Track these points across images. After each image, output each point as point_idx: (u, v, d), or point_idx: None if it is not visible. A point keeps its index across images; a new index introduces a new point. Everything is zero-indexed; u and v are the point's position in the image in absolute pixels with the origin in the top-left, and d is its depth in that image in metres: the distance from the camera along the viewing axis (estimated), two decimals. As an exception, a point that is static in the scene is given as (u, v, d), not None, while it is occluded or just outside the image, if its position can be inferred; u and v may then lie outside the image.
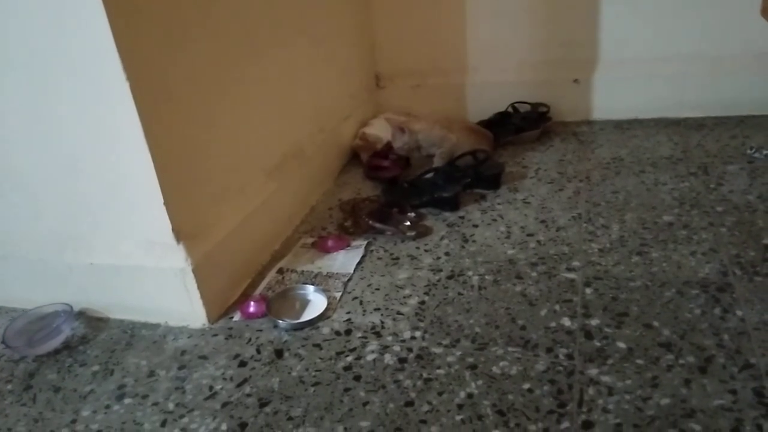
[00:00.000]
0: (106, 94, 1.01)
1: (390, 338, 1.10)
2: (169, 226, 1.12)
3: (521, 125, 1.93)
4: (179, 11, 1.13)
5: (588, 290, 1.17)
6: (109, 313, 1.27)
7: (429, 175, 1.63)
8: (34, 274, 1.29)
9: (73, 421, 1.00)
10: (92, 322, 1.26)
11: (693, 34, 1.88)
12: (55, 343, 1.19)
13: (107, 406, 1.02)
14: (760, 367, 0.93)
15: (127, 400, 1.03)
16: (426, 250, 1.38)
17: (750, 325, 1.02)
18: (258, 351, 1.11)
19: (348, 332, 1.13)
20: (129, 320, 1.25)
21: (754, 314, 1.04)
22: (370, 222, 1.46)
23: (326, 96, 1.82)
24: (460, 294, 1.21)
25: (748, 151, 1.66)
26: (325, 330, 1.15)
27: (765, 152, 1.63)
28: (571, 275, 1.22)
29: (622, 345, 1.01)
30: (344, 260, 1.37)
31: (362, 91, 2.12)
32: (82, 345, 1.19)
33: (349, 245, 1.42)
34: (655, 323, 1.05)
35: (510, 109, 2.03)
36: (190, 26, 1.16)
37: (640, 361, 0.97)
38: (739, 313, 1.05)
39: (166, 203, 1.10)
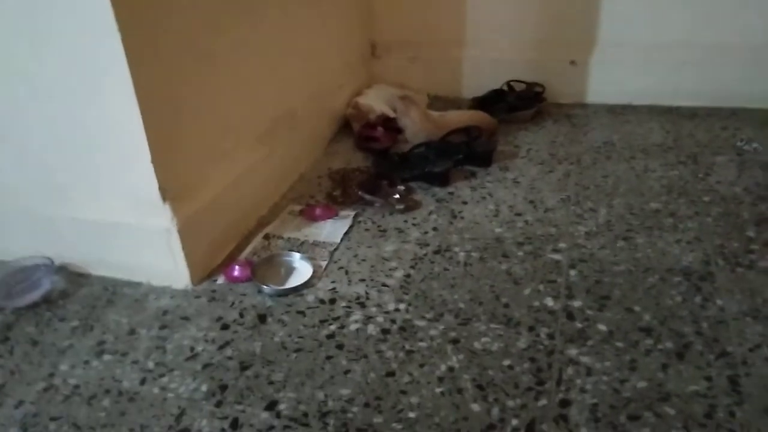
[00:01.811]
0: (98, 46, 0.98)
1: (374, 309, 1.10)
2: (156, 184, 1.10)
3: (515, 104, 1.93)
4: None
5: (572, 272, 1.17)
6: (91, 269, 1.25)
7: (420, 149, 1.62)
8: (15, 224, 1.26)
9: (51, 375, 0.99)
10: (73, 277, 1.24)
11: (692, 20, 1.87)
12: (35, 296, 1.17)
13: (86, 362, 1.02)
14: (736, 355, 0.95)
15: (106, 357, 1.02)
16: (414, 224, 1.37)
17: (729, 314, 1.04)
18: (241, 315, 1.11)
19: (332, 301, 1.13)
20: (111, 277, 1.23)
21: (734, 304, 1.06)
22: (360, 192, 1.45)
23: (321, 62, 1.79)
24: (445, 269, 1.21)
25: (738, 144, 1.67)
26: (310, 298, 1.15)
27: (754, 145, 1.65)
28: (557, 256, 1.23)
29: (602, 327, 1.02)
30: (331, 229, 1.36)
31: (357, 60, 2.08)
32: (62, 299, 1.18)
33: (336, 215, 1.41)
34: (637, 308, 1.07)
35: (505, 87, 2.02)
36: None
37: (619, 344, 0.98)
38: (719, 302, 1.07)
39: (153, 161, 1.08)
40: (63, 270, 1.25)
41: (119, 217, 1.16)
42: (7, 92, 1.10)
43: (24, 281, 1.20)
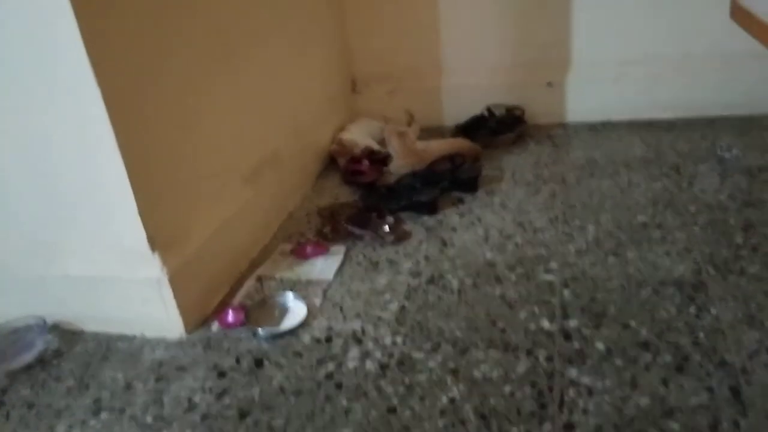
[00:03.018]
0: (79, 102, 0.99)
1: (371, 344, 1.10)
2: (144, 235, 1.10)
3: (497, 128, 1.95)
4: (153, 17, 1.11)
5: (566, 291, 1.18)
6: (84, 326, 1.24)
7: (406, 180, 1.63)
8: (5, 285, 1.25)
9: (48, 438, 0.97)
10: (66, 335, 1.23)
11: (662, 36, 1.91)
12: (28, 357, 1.16)
13: (83, 422, 1.00)
14: (736, 364, 0.95)
15: (103, 415, 1.01)
16: (405, 255, 1.38)
17: (724, 323, 1.04)
18: (237, 361, 1.10)
19: (328, 339, 1.13)
20: (104, 332, 1.22)
21: (728, 312, 1.06)
22: (349, 227, 1.45)
23: (303, 101, 1.81)
24: (440, 298, 1.21)
25: (719, 152, 1.69)
26: (306, 338, 1.14)
27: (734, 152, 1.67)
28: (549, 277, 1.23)
29: (600, 346, 1.02)
30: (323, 266, 1.36)
31: (339, 96, 2.11)
32: (56, 359, 1.16)
33: (328, 251, 1.41)
34: (633, 323, 1.07)
35: (485, 113, 2.04)
36: (165, 32, 1.15)
37: (618, 362, 0.98)
38: (713, 311, 1.07)
39: (140, 211, 1.08)
40: (56, 328, 1.24)
41: (109, 271, 1.16)
42: (-9, 155, 1.11)
43: (17, 343, 1.18)
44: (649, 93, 1.97)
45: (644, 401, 0.90)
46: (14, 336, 1.21)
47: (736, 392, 0.89)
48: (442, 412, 0.92)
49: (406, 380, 1.00)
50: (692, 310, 1.08)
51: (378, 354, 1.07)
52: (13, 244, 1.21)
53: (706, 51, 1.89)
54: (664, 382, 0.93)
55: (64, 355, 1.17)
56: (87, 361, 1.15)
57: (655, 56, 1.94)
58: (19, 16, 0.94)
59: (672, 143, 1.80)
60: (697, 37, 1.89)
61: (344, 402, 0.97)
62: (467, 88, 2.10)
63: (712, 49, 1.88)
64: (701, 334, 1.02)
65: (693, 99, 1.95)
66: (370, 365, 1.04)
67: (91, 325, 1.23)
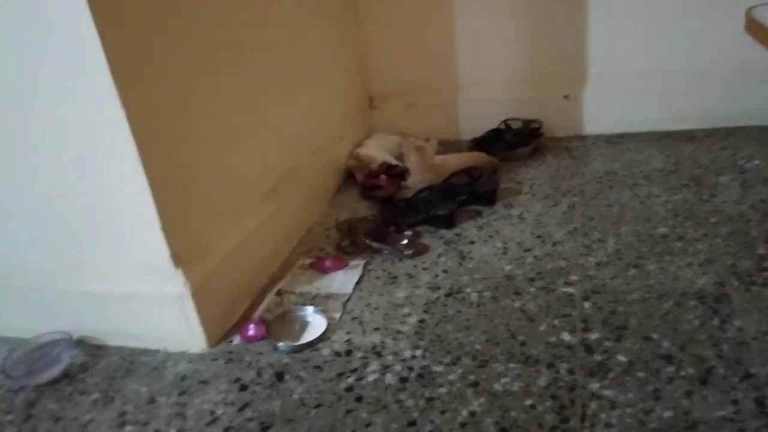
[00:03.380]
0: (102, 121, 1.02)
1: (390, 358, 1.10)
2: (167, 251, 1.12)
3: (514, 142, 1.95)
4: (174, 36, 1.14)
5: (586, 304, 1.17)
6: (108, 340, 1.26)
7: (424, 193, 1.64)
8: (31, 302, 1.28)
9: (74, 451, 0.99)
10: (91, 349, 1.25)
11: (680, 47, 1.91)
12: (55, 371, 1.18)
13: (108, 435, 1.02)
14: (761, 376, 0.93)
15: (128, 428, 1.02)
16: (424, 268, 1.38)
17: (748, 334, 1.03)
18: (258, 374, 1.11)
19: (348, 353, 1.13)
20: (128, 347, 1.24)
21: (752, 324, 1.05)
22: (368, 241, 1.46)
23: (320, 118, 1.84)
24: (459, 311, 1.21)
25: (739, 162, 1.68)
26: (326, 351, 1.15)
27: (755, 163, 1.65)
28: (569, 289, 1.22)
29: (622, 358, 1.01)
30: (343, 280, 1.37)
31: (356, 112, 2.13)
32: (81, 373, 1.18)
33: (347, 265, 1.42)
34: (655, 335, 1.06)
35: (502, 126, 2.05)
36: (185, 50, 1.18)
37: (641, 374, 0.97)
38: (737, 323, 1.06)
39: (163, 228, 1.10)
40: (81, 343, 1.26)
41: (133, 287, 1.18)
42: (16, 172, 1.14)
43: (43, 358, 1.21)
44: (667, 104, 1.97)
45: (668, 414, 0.89)
46: (41, 351, 1.23)
47: (761, 404, 0.88)
48: (463, 426, 0.92)
49: (426, 393, 1.00)
50: (715, 322, 1.07)
51: (398, 367, 1.07)
52: (39, 262, 1.24)
53: (724, 63, 1.88)
54: (688, 395, 0.92)
55: (89, 369, 1.19)
56: (111, 375, 1.17)
57: (672, 68, 1.93)
58: (39, 36, 0.98)
59: (692, 154, 1.79)
60: (714, 49, 1.88)
61: (365, 415, 0.97)
62: (484, 103, 2.11)
63: (729, 60, 1.87)
64: (725, 346, 1.01)
65: (712, 110, 1.94)
66: (390, 378, 1.05)
67: (115, 340, 1.26)
